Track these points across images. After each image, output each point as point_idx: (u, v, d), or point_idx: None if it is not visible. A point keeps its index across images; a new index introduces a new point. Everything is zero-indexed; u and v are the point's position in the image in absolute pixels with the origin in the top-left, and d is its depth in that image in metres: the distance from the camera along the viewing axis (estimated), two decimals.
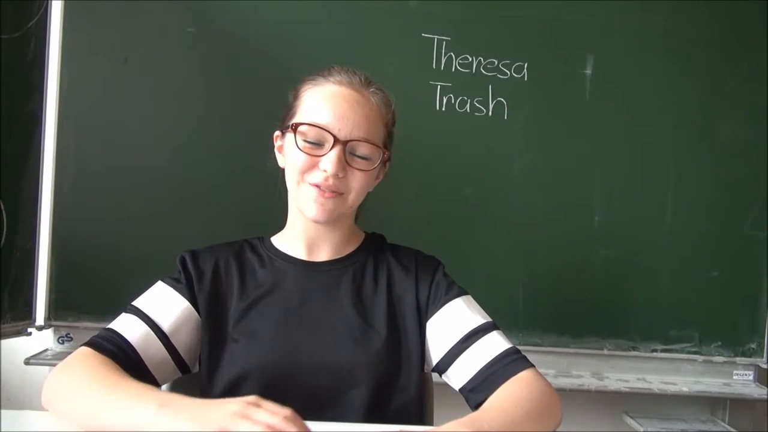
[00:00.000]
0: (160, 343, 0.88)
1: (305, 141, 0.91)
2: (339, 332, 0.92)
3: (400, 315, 0.96)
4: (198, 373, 0.94)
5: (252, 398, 0.67)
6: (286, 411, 0.65)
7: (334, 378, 0.89)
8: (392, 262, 1.00)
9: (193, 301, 0.92)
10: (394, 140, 1.02)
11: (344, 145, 0.90)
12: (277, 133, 1.00)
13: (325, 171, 0.90)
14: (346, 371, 0.89)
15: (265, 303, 0.94)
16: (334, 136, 0.90)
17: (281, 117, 0.99)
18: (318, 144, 0.91)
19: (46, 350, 1.60)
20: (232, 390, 0.88)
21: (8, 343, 1.55)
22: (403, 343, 0.94)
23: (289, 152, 0.94)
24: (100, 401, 0.74)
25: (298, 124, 0.91)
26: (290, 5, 1.64)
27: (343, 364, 0.90)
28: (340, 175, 0.90)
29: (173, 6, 1.61)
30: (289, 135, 0.93)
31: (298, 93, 0.96)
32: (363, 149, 0.92)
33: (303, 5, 1.64)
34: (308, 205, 0.92)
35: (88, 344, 0.84)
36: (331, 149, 0.90)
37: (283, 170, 0.98)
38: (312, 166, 0.91)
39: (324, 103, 0.92)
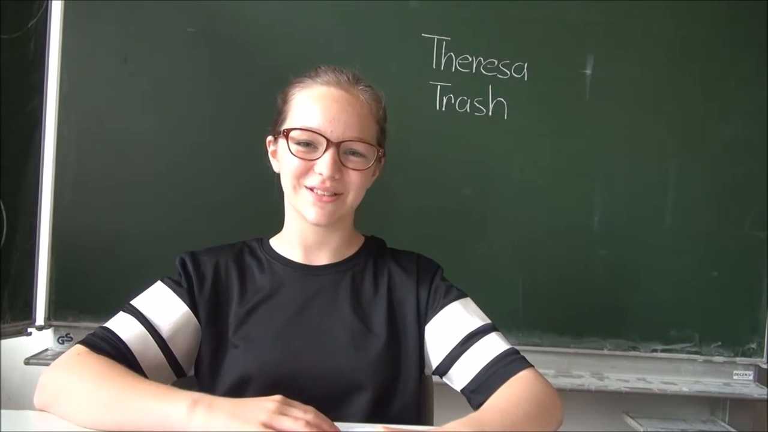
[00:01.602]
0: (157, 347, 0.88)
1: (298, 146, 0.91)
2: (339, 338, 0.92)
3: (401, 318, 0.96)
4: (193, 376, 0.94)
5: (279, 397, 0.70)
6: (311, 409, 0.70)
7: (334, 384, 0.89)
8: (393, 266, 1.00)
9: (193, 306, 0.92)
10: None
11: (337, 146, 0.90)
12: (270, 138, 0.99)
13: (320, 174, 0.90)
14: (347, 377, 0.89)
15: (264, 309, 0.94)
16: (327, 139, 0.90)
17: (272, 121, 0.99)
18: (311, 148, 0.91)
19: (46, 350, 1.60)
20: (232, 396, 0.88)
21: (8, 343, 1.55)
22: (403, 347, 0.94)
23: (283, 158, 0.94)
24: (115, 400, 0.74)
25: (289, 130, 0.91)
26: (291, 5, 1.64)
27: (343, 370, 0.90)
28: (336, 177, 0.90)
29: (173, 6, 1.61)
30: (282, 140, 0.93)
31: (287, 96, 0.96)
32: (357, 149, 0.92)
33: (304, 5, 1.64)
34: (307, 208, 0.92)
35: (84, 343, 0.84)
36: (324, 152, 0.90)
37: (278, 174, 0.98)
38: (307, 170, 0.91)
39: (314, 106, 0.91)
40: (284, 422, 0.66)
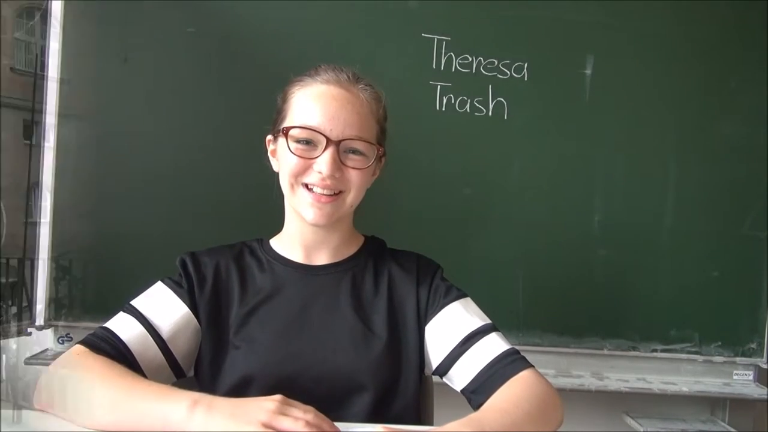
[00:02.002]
0: (157, 348, 0.88)
1: (297, 144, 0.91)
2: (339, 338, 0.92)
3: (401, 318, 0.96)
4: (193, 377, 0.94)
5: (279, 397, 0.70)
6: (311, 409, 0.69)
7: (335, 384, 0.89)
8: (393, 266, 1.00)
9: (193, 307, 0.92)
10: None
11: (337, 145, 0.90)
12: (270, 137, 0.99)
13: (320, 173, 0.90)
14: (347, 377, 0.89)
15: (265, 309, 0.94)
16: (326, 137, 0.89)
17: (272, 121, 0.99)
18: (311, 146, 0.91)
19: (46, 350, 1.60)
20: (233, 397, 0.87)
21: (8, 343, 1.55)
22: (404, 347, 0.94)
23: (282, 156, 0.94)
24: (115, 400, 0.74)
25: (288, 128, 0.91)
26: (290, 5, 1.64)
27: (344, 370, 0.90)
28: (336, 176, 0.90)
29: (173, 6, 1.61)
30: (281, 139, 0.93)
31: (287, 96, 0.96)
32: (356, 147, 0.92)
33: (303, 5, 1.64)
34: (306, 209, 0.92)
35: (84, 343, 0.84)
36: (324, 150, 0.90)
37: (277, 174, 0.98)
38: (306, 169, 0.91)
39: (313, 104, 0.91)
40: (284, 422, 0.66)
